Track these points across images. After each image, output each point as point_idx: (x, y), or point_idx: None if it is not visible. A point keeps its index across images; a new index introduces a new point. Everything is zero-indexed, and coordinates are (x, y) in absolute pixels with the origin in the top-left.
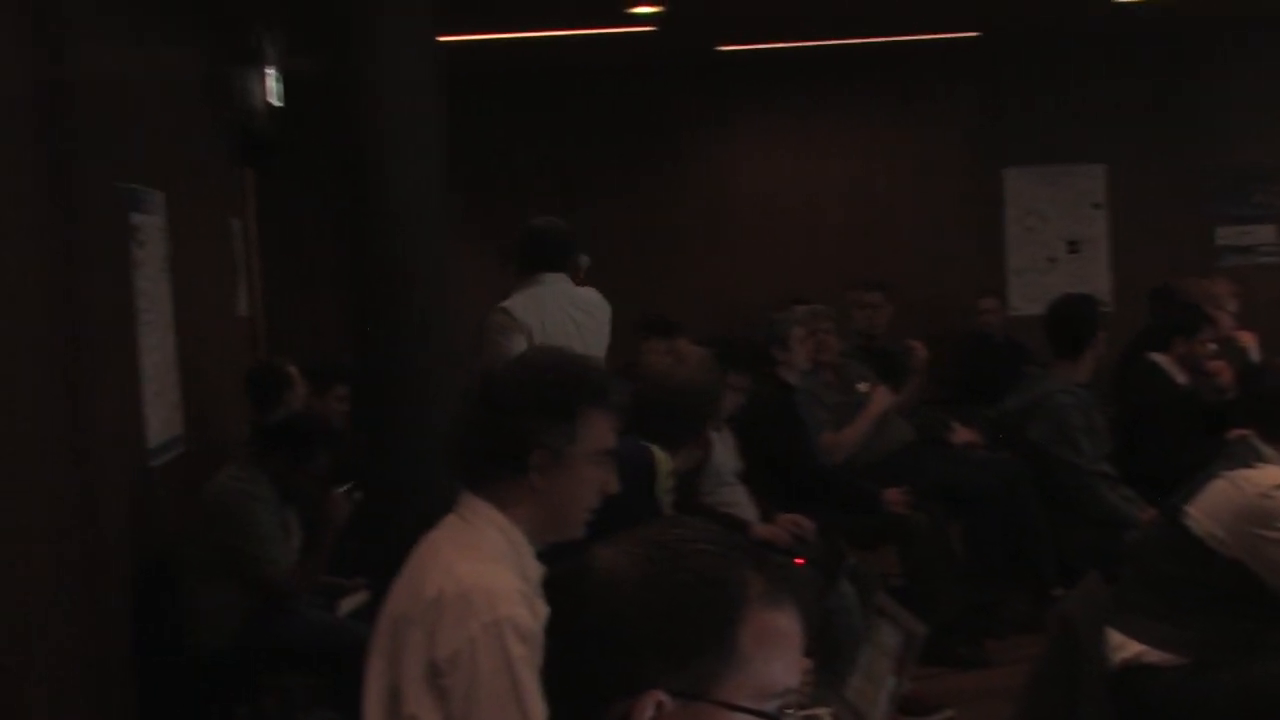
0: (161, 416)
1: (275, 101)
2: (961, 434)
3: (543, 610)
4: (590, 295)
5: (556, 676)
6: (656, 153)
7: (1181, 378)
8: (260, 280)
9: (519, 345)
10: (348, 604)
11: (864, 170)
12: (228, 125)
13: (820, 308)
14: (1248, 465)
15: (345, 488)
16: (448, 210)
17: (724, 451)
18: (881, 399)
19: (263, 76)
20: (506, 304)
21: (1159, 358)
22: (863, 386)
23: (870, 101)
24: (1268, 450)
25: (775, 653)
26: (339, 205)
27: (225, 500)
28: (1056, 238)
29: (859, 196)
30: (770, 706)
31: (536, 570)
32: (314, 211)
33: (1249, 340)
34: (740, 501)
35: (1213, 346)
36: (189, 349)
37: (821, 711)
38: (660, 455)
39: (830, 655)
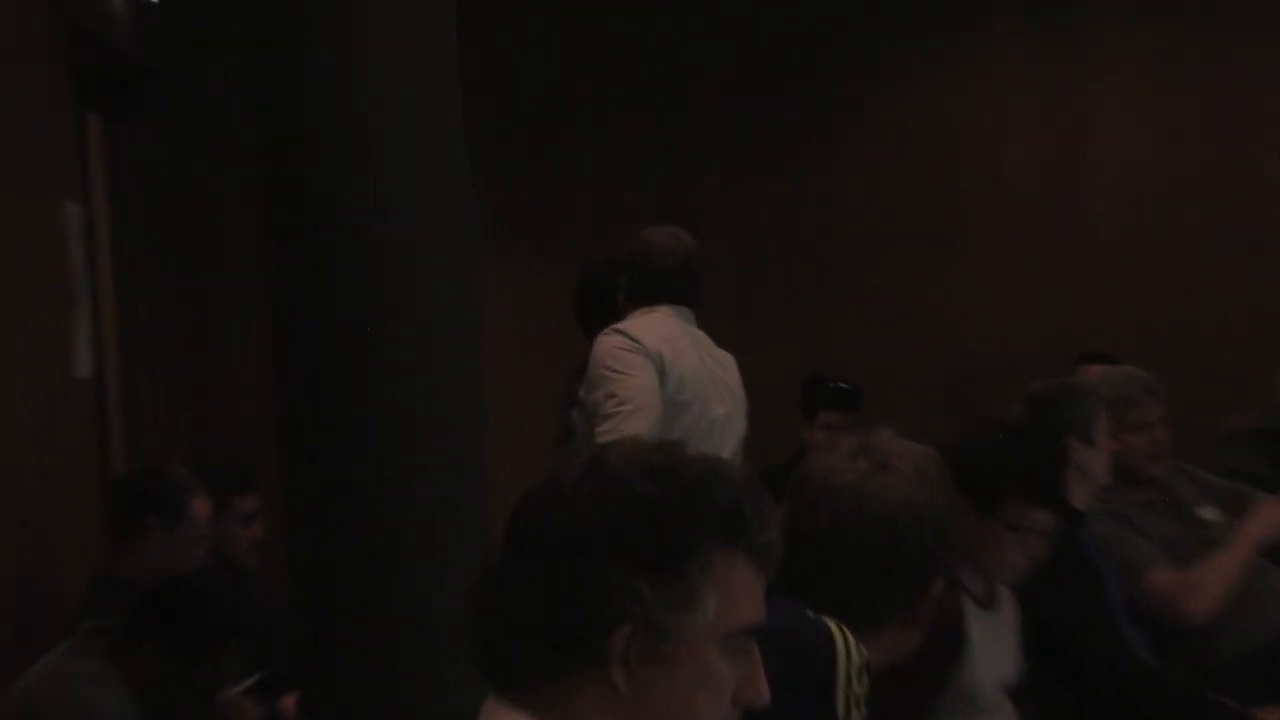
0: None
1: None
2: None
3: None
4: (718, 350)
5: None
6: (820, 100)
7: None
8: (116, 313)
9: (647, 377)
10: None
11: (1214, 132)
12: (62, 38)
13: (1140, 375)
14: None
15: (250, 682)
16: (466, 193)
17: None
18: (1262, 523)
19: None
20: (623, 325)
21: None
22: (1208, 513)
23: (1234, 14)
24: None
25: None
26: (268, 181)
27: (48, 710)
28: None
29: (1210, 177)
30: None
31: None
32: (215, 190)
33: None
34: None
35: None
36: None
37: None
38: (845, 639)
39: None
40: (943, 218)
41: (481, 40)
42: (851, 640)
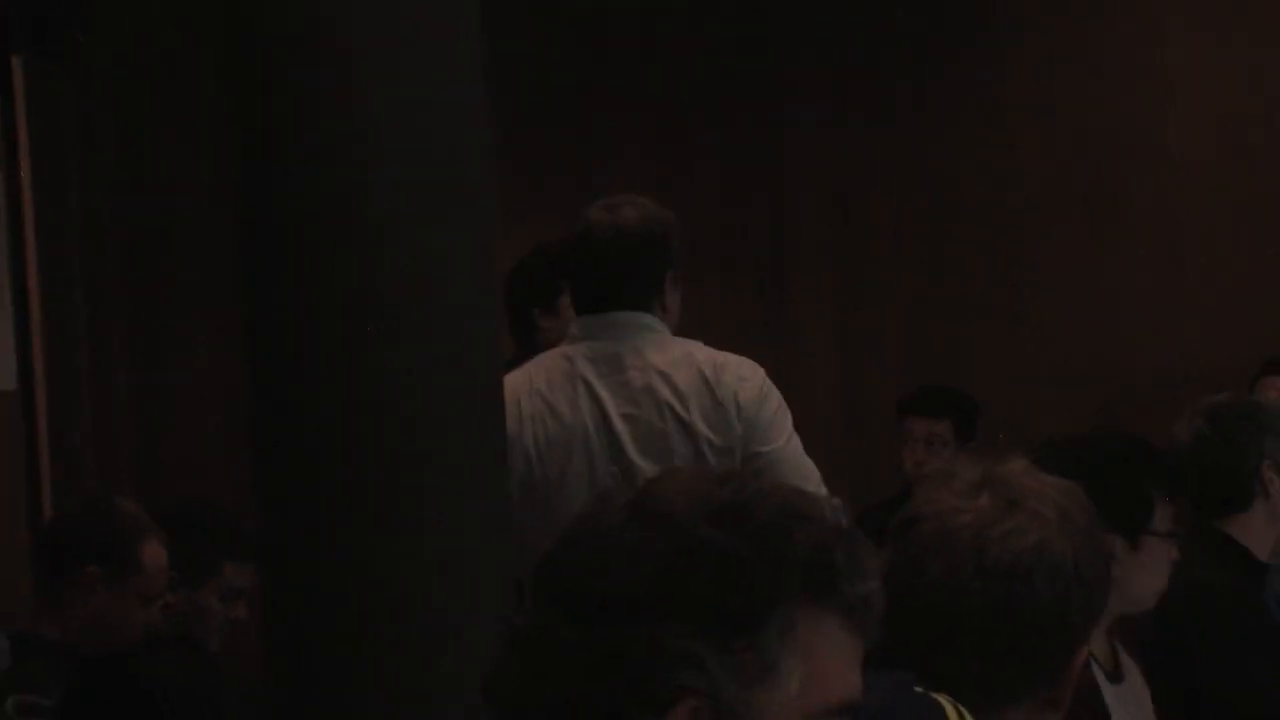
0: None
1: None
2: None
3: None
4: (690, 357)
5: None
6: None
7: None
8: (41, 303)
9: None
10: None
11: None
12: None
13: None
14: None
15: None
16: (487, 151)
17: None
18: None
19: None
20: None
21: None
22: None
23: None
24: None
25: None
26: (239, 151)
27: None
28: None
29: None
30: None
31: None
32: (169, 162)
33: None
34: None
35: None
36: None
37: None
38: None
39: None
40: (1096, 187)
41: None
42: None
